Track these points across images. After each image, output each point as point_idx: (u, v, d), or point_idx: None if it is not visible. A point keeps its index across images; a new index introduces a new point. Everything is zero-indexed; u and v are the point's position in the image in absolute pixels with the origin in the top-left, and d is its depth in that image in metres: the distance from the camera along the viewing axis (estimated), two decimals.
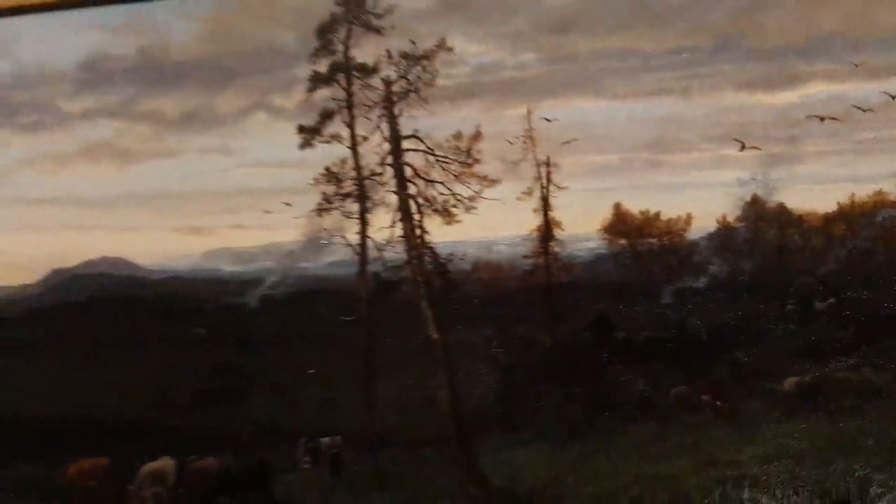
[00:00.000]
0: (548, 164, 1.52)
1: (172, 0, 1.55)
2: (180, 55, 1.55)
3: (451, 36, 1.44)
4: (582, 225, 1.70)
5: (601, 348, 1.65)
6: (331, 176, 1.49)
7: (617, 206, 1.72)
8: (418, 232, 1.45)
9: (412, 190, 1.43)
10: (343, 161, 1.48)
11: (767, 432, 1.61)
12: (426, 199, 1.44)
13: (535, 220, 1.53)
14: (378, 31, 1.47)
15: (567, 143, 1.46)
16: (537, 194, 1.52)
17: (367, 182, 1.43)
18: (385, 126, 1.44)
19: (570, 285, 1.62)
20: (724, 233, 1.82)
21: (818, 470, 1.77)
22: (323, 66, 1.49)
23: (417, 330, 1.46)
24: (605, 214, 1.77)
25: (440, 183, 1.44)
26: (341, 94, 1.46)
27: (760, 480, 1.56)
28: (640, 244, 1.77)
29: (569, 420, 1.54)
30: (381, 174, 1.44)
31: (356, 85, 1.48)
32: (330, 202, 1.48)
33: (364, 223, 1.44)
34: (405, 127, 1.44)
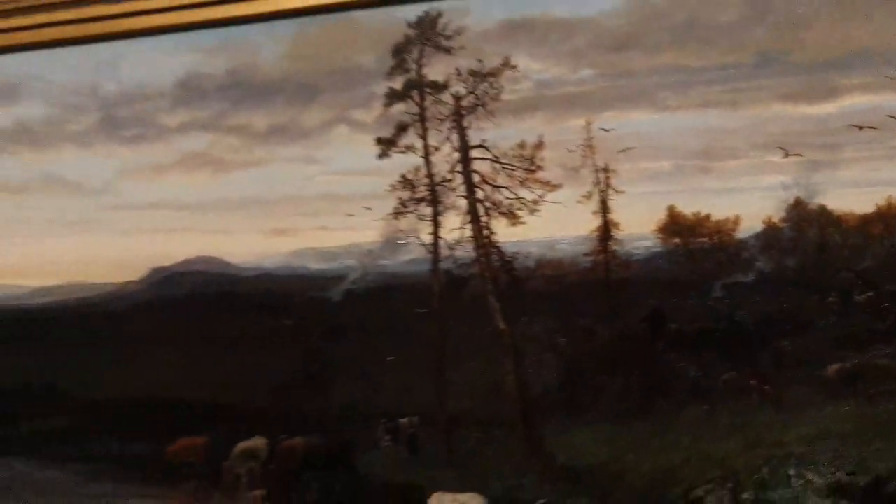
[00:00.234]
0: (606, 170, 1.53)
1: (260, 24, 1.63)
2: (268, 74, 1.63)
3: (515, 55, 1.53)
4: (638, 225, 1.72)
5: (656, 338, 1.66)
6: (406, 183, 1.57)
7: (670, 209, 1.72)
8: (486, 233, 1.53)
9: (480, 194, 1.51)
10: (417, 169, 1.57)
11: (811, 415, 1.64)
12: (493, 203, 1.51)
13: (595, 221, 1.55)
14: (448, 51, 1.55)
15: (623, 151, 1.47)
16: (596, 198, 1.54)
17: (438, 188, 1.51)
18: (455, 137, 1.53)
19: (628, 281, 1.61)
20: (770, 232, 1.78)
21: (860, 449, 1.82)
22: (398, 84, 1.58)
23: (486, 322, 1.54)
24: (659, 216, 1.77)
25: (506, 188, 1.51)
26: (415, 109, 1.55)
27: (806, 458, 1.61)
28: (693, 243, 1.74)
29: (627, 404, 1.58)
30: (451, 180, 1.52)
31: (428, 100, 1.56)
32: (405, 206, 1.56)
33: (436, 225, 1.53)
34: (473, 137, 1.53)
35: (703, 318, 1.55)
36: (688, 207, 1.56)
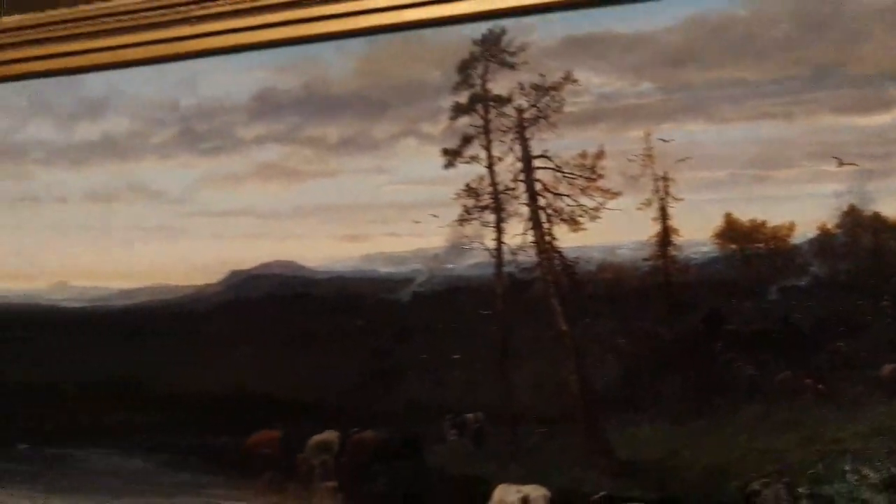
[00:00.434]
0: (665, 178, 1.55)
1: (331, 42, 1.70)
2: (339, 89, 1.68)
3: (577, 69, 1.56)
4: (696, 231, 1.71)
5: (714, 339, 1.67)
6: (471, 191, 1.64)
7: (727, 216, 1.71)
8: (548, 238, 1.58)
9: (542, 202, 1.56)
10: (481, 178, 1.62)
11: (866, 413, 1.67)
12: (555, 210, 1.56)
13: (654, 228, 1.55)
14: (512, 66, 1.61)
15: (682, 160, 1.49)
16: (656, 205, 1.55)
17: (502, 196, 1.57)
18: (518, 148, 1.57)
19: (686, 284, 1.62)
20: (824, 238, 1.78)
21: None
22: (463, 98, 1.64)
23: (548, 323, 1.59)
24: (716, 222, 1.75)
25: (567, 196, 1.55)
26: (479, 122, 1.61)
27: (861, 454, 1.64)
28: (749, 248, 1.74)
29: (685, 402, 1.61)
30: (514, 189, 1.57)
31: (492, 113, 1.62)
32: (470, 213, 1.62)
33: (500, 231, 1.58)
34: (536, 148, 1.57)
35: (759, 320, 1.61)
36: (744, 214, 1.62)
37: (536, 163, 1.71)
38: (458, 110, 1.80)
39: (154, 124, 2.05)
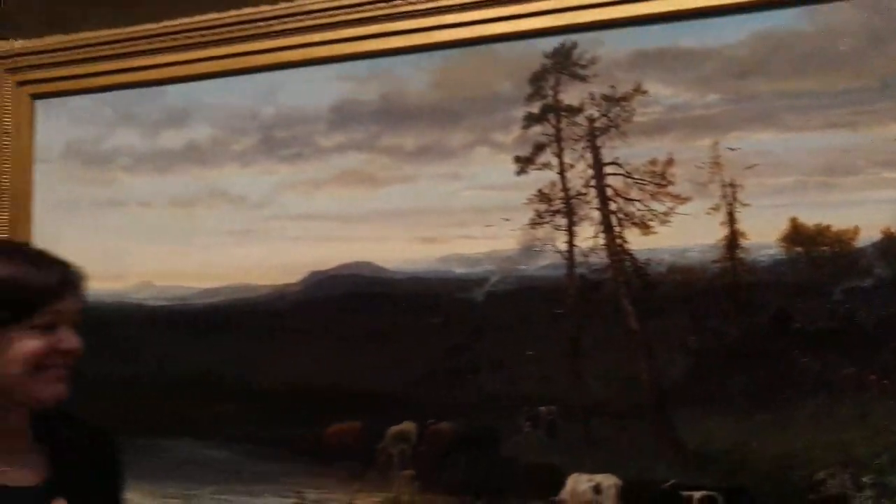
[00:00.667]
0: (732, 185, 1.60)
1: (408, 56, 1.77)
2: (415, 100, 1.74)
3: (645, 81, 1.62)
4: (763, 235, 1.76)
5: (780, 337, 1.72)
6: (543, 196, 1.71)
7: (793, 220, 1.76)
8: (619, 241, 1.65)
9: (613, 206, 1.62)
10: (553, 184, 1.69)
11: None
12: (626, 214, 1.63)
13: (723, 231, 1.60)
14: (582, 78, 1.68)
15: (749, 167, 1.54)
16: (724, 210, 1.60)
17: (573, 201, 1.64)
18: (589, 155, 1.64)
19: (753, 285, 1.67)
20: (888, 241, 1.82)
21: None
22: (536, 108, 1.71)
23: (619, 322, 1.66)
24: (783, 226, 1.80)
25: (638, 201, 1.62)
26: (551, 130, 1.68)
27: None
28: (814, 251, 1.79)
29: (752, 396, 1.67)
30: (585, 194, 1.64)
31: (564, 122, 1.69)
32: (542, 217, 1.69)
33: (571, 234, 1.65)
34: (607, 155, 1.64)
35: (825, 319, 1.69)
36: (809, 219, 1.71)
37: (607, 169, 1.81)
38: (531, 120, 1.90)
39: (235, 133, 2.17)
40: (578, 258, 1.81)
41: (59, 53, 2.43)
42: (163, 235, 2.30)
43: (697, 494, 1.77)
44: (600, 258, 1.79)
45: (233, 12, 2.20)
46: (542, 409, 1.88)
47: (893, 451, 1.58)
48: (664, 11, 1.79)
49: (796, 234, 1.65)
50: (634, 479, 1.79)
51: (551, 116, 1.85)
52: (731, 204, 1.70)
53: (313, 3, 2.12)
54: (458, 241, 1.93)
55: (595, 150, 1.80)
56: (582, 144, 1.81)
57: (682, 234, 1.73)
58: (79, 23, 2.41)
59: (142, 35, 2.33)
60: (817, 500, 1.64)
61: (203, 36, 2.24)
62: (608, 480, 1.82)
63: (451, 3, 1.97)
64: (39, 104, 2.45)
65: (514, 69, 1.89)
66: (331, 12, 2.09)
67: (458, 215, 1.94)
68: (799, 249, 1.64)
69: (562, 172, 1.84)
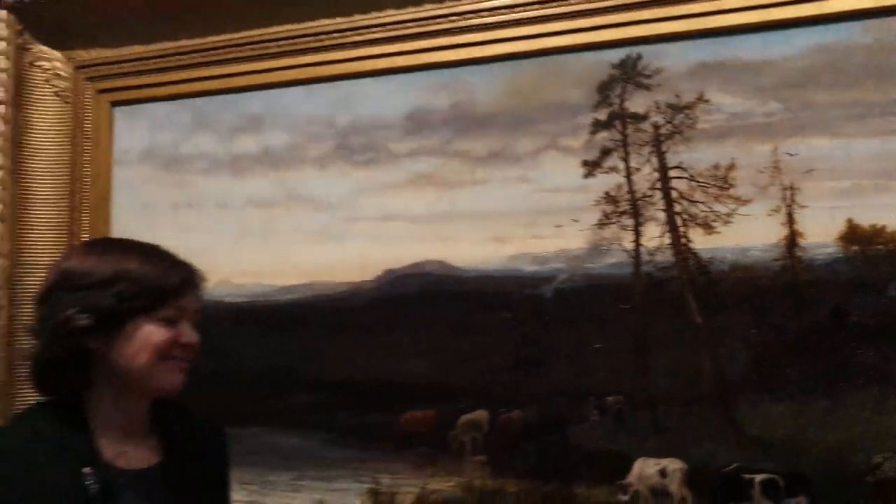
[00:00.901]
0: (791, 188, 1.68)
1: (478, 66, 1.85)
2: (485, 108, 1.82)
3: (708, 90, 1.72)
4: (821, 235, 1.83)
5: (837, 331, 1.80)
6: (609, 198, 1.81)
7: (849, 221, 1.83)
8: (683, 241, 1.74)
9: (678, 208, 1.72)
10: (619, 187, 1.78)
11: None
12: (690, 215, 1.72)
13: (782, 231, 1.68)
14: (648, 87, 1.78)
15: (807, 172, 1.61)
16: (783, 211, 1.68)
17: (640, 203, 1.73)
18: (654, 159, 1.74)
19: (812, 282, 1.75)
20: None
21: None
22: (602, 115, 1.81)
23: (683, 317, 1.76)
24: (839, 227, 1.87)
25: (701, 202, 1.71)
26: (618, 136, 1.77)
27: None
28: (870, 250, 1.86)
29: (811, 385, 1.76)
30: (651, 196, 1.73)
31: (630, 128, 1.78)
32: (609, 218, 1.79)
33: (637, 234, 1.74)
34: (671, 160, 1.73)
35: (880, 314, 1.81)
36: (865, 220, 1.83)
37: (672, 173, 1.93)
38: (598, 126, 2.01)
39: (311, 138, 2.29)
40: (644, 257, 1.93)
41: (137, 63, 2.56)
42: (240, 236, 2.43)
43: (759, 477, 1.88)
44: (665, 257, 1.91)
45: (309, 24, 2.33)
46: (610, 398, 1.99)
47: None
48: (726, 26, 1.90)
49: (853, 234, 1.77)
50: (698, 462, 1.91)
51: (618, 123, 1.97)
52: (790, 206, 1.82)
53: (387, 16, 2.24)
54: (527, 241, 2.05)
55: (660, 155, 1.92)
56: (648, 149, 1.93)
57: (743, 234, 1.85)
58: (156, 33, 2.54)
59: (218, 45, 2.45)
60: (874, 482, 1.76)
61: (279, 46, 2.37)
62: (674, 464, 1.94)
63: (520, 17, 2.09)
64: (118, 111, 2.58)
65: (583, 79, 2.01)
66: (404, 25, 2.22)
67: (527, 216, 2.07)
68: (855, 248, 1.76)
69: (628, 176, 1.95)
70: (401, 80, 2.18)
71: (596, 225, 1.95)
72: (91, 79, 2.56)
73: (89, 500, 1.10)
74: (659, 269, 1.89)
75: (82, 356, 1.20)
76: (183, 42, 2.47)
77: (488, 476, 2.09)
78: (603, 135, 1.95)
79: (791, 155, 1.76)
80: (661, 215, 1.88)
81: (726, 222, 1.82)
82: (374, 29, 2.26)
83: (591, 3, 1.94)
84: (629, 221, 1.92)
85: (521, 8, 2.02)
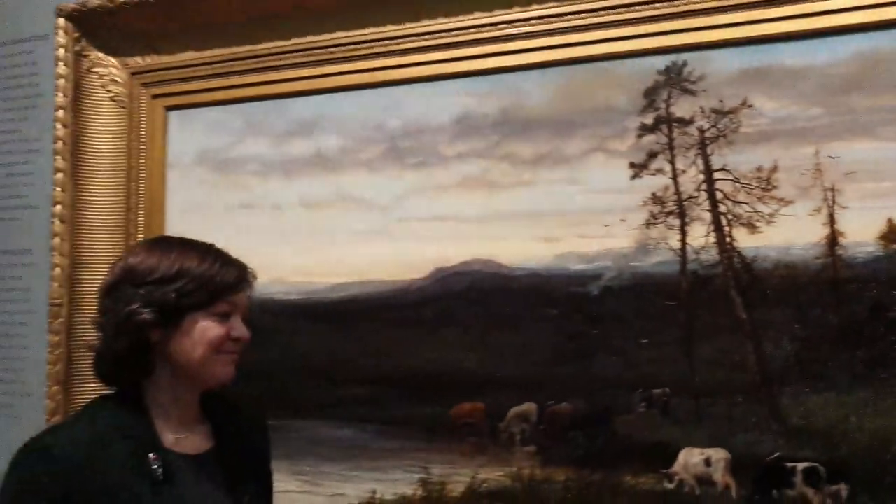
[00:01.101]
0: (833, 189, 1.73)
1: (526, 72, 1.91)
2: (533, 112, 1.88)
3: (752, 96, 1.78)
4: (861, 235, 1.88)
5: (877, 325, 1.86)
6: (656, 199, 1.87)
7: (889, 221, 1.87)
8: (728, 240, 1.81)
9: (723, 208, 1.78)
10: (666, 188, 1.85)
11: None
12: (734, 215, 1.78)
13: (824, 231, 1.74)
14: (693, 93, 1.84)
15: (848, 174, 1.66)
16: (825, 212, 1.73)
17: (685, 203, 1.80)
18: (700, 162, 1.80)
19: (852, 279, 1.80)
20: None
21: None
22: (649, 119, 1.87)
23: (728, 313, 1.82)
24: (880, 227, 1.92)
25: (745, 203, 1.77)
26: (664, 139, 1.84)
27: None
28: None
29: (852, 376, 1.81)
30: (697, 197, 1.80)
31: (676, 132, 1.85)
32: (656, 218, 1.85)
33: (683, 234, 1.80)
34: (716, 162, 1.80)
35: None
36: None
37: (717, 175, 2.01)
38: (644, 129, 2.10)
39: (362, 142, 2.37)
40: (690, 255, 2.01)
41: (191, 69, 2.65)
42: (293, 236, 2.51)
43: (801, 465, 1.96)
44: (711, 255, 1.99)
45: (358, 31, 2.41)
46: (656, 391, 2.07)
47: None
48: (770, 34, 1.98)
49: (892, 233, 1.85)
50: (742, 452, 1.99)
51: (664, 127, 2.05)
52: (831, 206, 1.90)
53: (436, 24, 2.32)
54: (574, 240, 2.13)
55: (705, 158, 2.00)
56: (693, 152, 2.01)
57: (786, 233, 1.93)
58: (209, 40, 2.63)
59: (270, 52, 2.54)
60: None
61: (331, 53, 2.45)
62: (718, 454, 2.02)
63: (567, 25, 2.17)
64: (173, 115, 2.66)
65: (629, 84, 2.09)
66: (453, 32, 2.30)
67: (574, 216, 2.15)
68: (894, 247, 1.84)
69: (675, 177, 2.04)
70: (450, 86, 2.27)
71: (643, 224, 2.04)
72: (146, 84, 2.61)
73: (155, 484, 1.20)
74: (704, 266, 1.97)
75: (143, 348, 1.28)
76: (235, 49, 2.56)
77: (537, 465, 2.17)
78: (649, 138, 2.03)
79: (832, 158, 1.85)
80: (707, 215, 1.97)
81: (769, 222, 1.90)
82: (425, 36, 2.34)
83: (638, 11, 2.02)
84: (675, 221, 2.01)
85: (570, 16, 2.10)
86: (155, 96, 2.70)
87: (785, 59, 1.97)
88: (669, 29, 2.06)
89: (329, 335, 2.50)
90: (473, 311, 2.29)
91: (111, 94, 2.68)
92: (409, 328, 2.36)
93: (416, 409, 2.36)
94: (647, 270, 2.08)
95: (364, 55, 2.42)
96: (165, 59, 2.67)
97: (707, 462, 2.03)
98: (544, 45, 2.20)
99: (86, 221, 2.62)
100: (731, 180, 2.01)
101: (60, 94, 2.56)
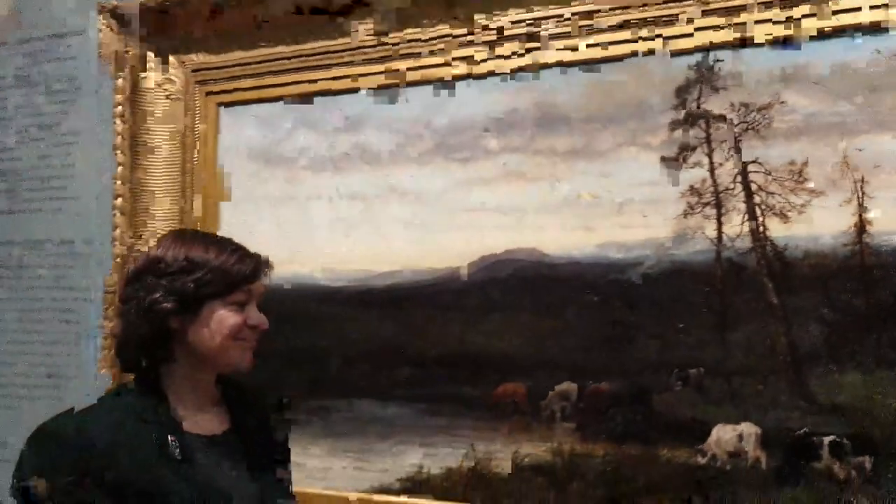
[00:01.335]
0: (861, 181, 1.80)
1: (560, 71, 2.00)
2: (568, 109, 1.95)
3: (783, 93, 1.86)
4: (888, 224, 1.95)
5: None
6: (693, 191, 1.97)
7: None
8: (761, 229, 1.90)
9: (757, 199, 1.87)
10: (703, 180, 1.95)
11: None
12: (767, 206, 1.87)
13: (852, 220, 1.80)
14: (725, 90, 1.92)
15: (876, 167, 1.74)
16: (854, 202, 1.80)
17: (721, 195, 1.89)
18: (735, 156, 1.90)
19: (878, 266, 1.87)
20: None
21: None
22: (683, 115, 1.96)
23: (760, 298, 1.92)
24: None
25: (778, 194, 1.86)
26: (701, 134, 1.93)
27: None
28: None
29: (877, 356, 1.90)
30: (732, 189, 1.90)
31: (712, 127, 1.94)
32: (693, 209, 1.95)
33: (720, 223, 1.90)
34: (749, 156, 1.89)
35: None
36: None
37: (751, 168, 2.13)
38: (679, 124, 2.21)
39: (410, 138, 2.49)
40: (726, 244, 2.13)
41: (243, 67, 2.78)
42: (343, 226, 2.64)
43: (827, 440, 2.09)
44: (745, 244, 2.11)
45: (405, 31, 2.53)
46: (692, 371, 2.20)
47: None
48: (801, 33, 2.09)
49: None
50: (772, 427, 2.11)
51: (701, 122, 2.16)
52: (859, 197, 2.02)
53: (477, 24, 2.44)
54: (614, 230, 2.25)
55: (739, 152, 2.12)
56: (727, 146, 2.13)
57: (816, 223, 2.04)
58: (261, 39, 2.76)
59: (320, 51, 2.67)
60: None
61: (378, 52, 2.58)
62: (750, 429, 2.14)
63: (599, 26, 2.28)
64: (225, 111, 2.79)
65: (661, 82, 2.19)
66: (489, 31, 2.42)
67: (611, 207, 2.27)
68: None
69: (712, 170, 2.15)
70: (488, 85, 2.37)
71: (681, 215, 2.15)
72: (200, 82, 2.75)
73: (174, 464, 1.27)
74: (739, 254, 2.09)
75: (164, 335, 1.34)
76: (285, 48, 2.67)
77: (577, 441, 2.29)
78: (686, 133, 2.14)
79: (860, 150, 1.96)
80: (742, 206, 2.08)
81: (801, 212, 2.01)
82: (468, 35, 2.46)
83: (670, 8, 2.11)
84: (712, 212, 2.12)
85: (601, 14, 2.21)
86: (209, 93, 2.83)
87: (814, 59, 2.07)
88: (702, 25, 2.16)
89: (378, 320, 2.62)
90: (517, 298, 2.41)
91: (167, 92, 2.81)
92: (456, 313, 2.48)
93: (462, 389, 2.48)
94: (684, 259, 2.19)
95: (411, 54, 2.54)
96: (218, 58, 2.80)
97: (740, 437, 2.15)
98: (576, 45, 2.30)
99: (143, 214, 2.77)
100: (764, 173, 2.12)
101: (120, 93, 2.70)
